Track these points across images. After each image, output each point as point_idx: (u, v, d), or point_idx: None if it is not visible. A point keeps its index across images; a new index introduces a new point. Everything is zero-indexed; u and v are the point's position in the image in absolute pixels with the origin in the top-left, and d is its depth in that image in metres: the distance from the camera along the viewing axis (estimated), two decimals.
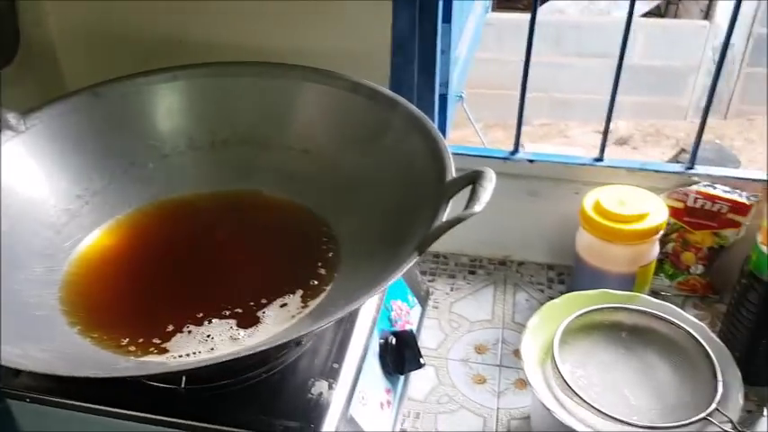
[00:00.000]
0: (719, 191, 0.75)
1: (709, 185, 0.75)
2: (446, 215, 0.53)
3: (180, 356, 0.54)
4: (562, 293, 0.72)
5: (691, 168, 0.77)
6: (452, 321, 0.78)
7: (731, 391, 0.58)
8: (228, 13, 0.76)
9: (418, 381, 0.71)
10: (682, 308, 0.70)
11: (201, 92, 0.68)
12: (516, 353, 0.74)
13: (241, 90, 0.68)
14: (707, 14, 2.68)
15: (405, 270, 0.50)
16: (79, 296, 0.59)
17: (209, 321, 0.56)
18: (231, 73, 0.68)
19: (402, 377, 0.65)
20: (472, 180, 0.53)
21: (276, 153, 0.69)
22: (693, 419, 0.55)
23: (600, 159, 0.79)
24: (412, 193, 0.60)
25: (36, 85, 0.77)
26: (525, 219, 0.84)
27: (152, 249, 0.64)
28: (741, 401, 0.57)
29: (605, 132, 0.80)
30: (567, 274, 0.83)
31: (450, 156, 0.57)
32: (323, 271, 0.62)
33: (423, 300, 0.74)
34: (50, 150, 0.65)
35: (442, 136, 0.60)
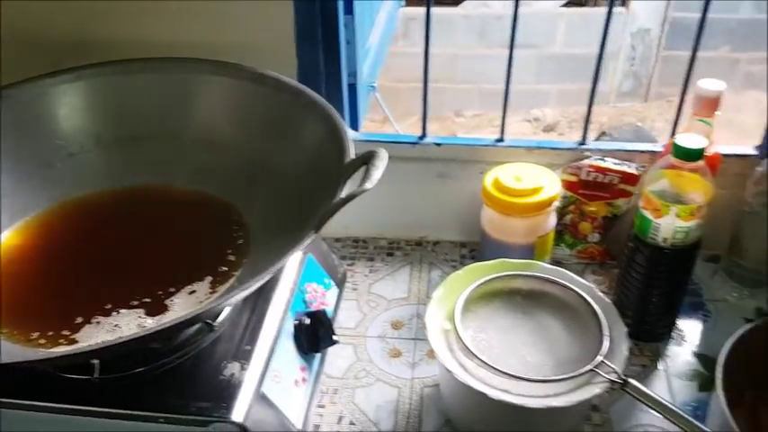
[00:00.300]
0: (610, 163, 0.80)
1: (600, 159, 0.81)
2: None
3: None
4: None
5: (582, 144, 0.83)
6: (371, 301, 0.82)
7: (617, 344, 0.62)
8: (135, 12, 0.78)
9: (337, 359, 0.74)
10: (581, 275, 0.75)
11: (106, 90, 0.70)
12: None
13: (145, 86, 0.70)
14: (623, 2, 2.79)
15: (301, 248, 0.53)
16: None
17: (118, 312, 0.58)
18: (134, 70, 0.70)
19: (318, 355, 0.68)
20: (366, 160, 0.57)
21: (184, 147, 0.71)
22: (581, 371, 0.59)
23: (501, 140, 0.84)
24: (315, 177, 0.63)
25: None
26: (437, 200, 0.88)
27: (62, 247, 0.65)
28: (626, 353, 0.62)
29: (504, 115, 0.85)
30: (477, 249, 0.88)
31: (349, 138, 0.61)
32: (232, 258, 0.64)
33: (340, 282, 0.77)
34: None
35: (342, 120, 0.63)
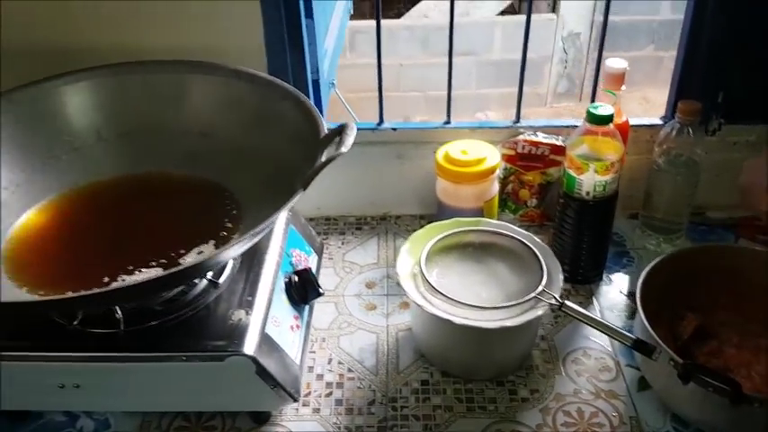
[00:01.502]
0: (541, 137, 0.95)
1: (532, 134, 0.95)
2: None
3: None
4: None
5: (517, 122, 0.97)
6: (345, 267, 0.94)
7: (554, 277, 0.76)
8: (114, 18, 0.88)
9: (322, 315, 0.86)
10: None
11: (105, 90, 0.81)
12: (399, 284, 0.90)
13: (139, 86, 0.81)
14: (553, 8, 2.99)
15: (292, 204, 0.64)
16: (21, 266, 0.70)
17: (139, 271, 0.69)
18: (129, 71, 0.81)
19: (307, 307, 0.80)
20: (339, 132, 0.69)
21: (177, 137, 0.82)
22: (527, 298, 0.73)
23: (448, 122, 0.98)
24: (294, 152, 0.74)
25: None
26: (397, 179, 1.01)
27: (78, 224, 0.76)
28: (561, 284, 0.75)
29: (449, 102, 0.98)
30: (434, 220, 1.00)
31: (321, 117, 0.73)
32: (229, 225, 0.76)
33: (318, 250, 0.89)
34: None
35: (312, 103, 0.75)
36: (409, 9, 3.02)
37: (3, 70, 0.86)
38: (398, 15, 3.00)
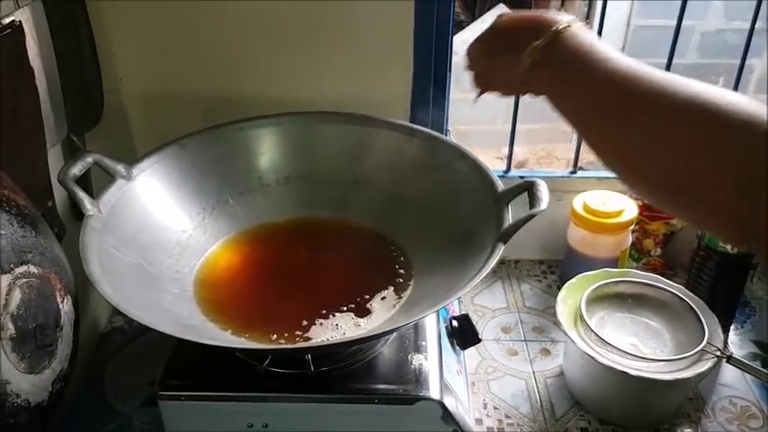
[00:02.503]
0: None
1: None
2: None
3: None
4: (555, 281, 0.93)
5: None
6: (477, 311, 0.96)
7: (712, 328, 0.78)
8: (273, 73, 0.91)
9: (467, 358, 0.87)
10: None
11: (295, 135, 0.83)
12: (535, 329, 0.92)
13: (326, 135, 0.83)
14: None
15: (495, 261, 0.66)
16: (217, 308, 0.71)
17: (333, 315, 0.70)
18: (319, 120, 0.83)
19: (462, 353, 0.82)
20: (526, 188, 0.71)
21: (338, 184, 0.83)
22: (694, 351, 0.75)
23: (574, 172, 1.01)
24: (466, 206, 0.76)
25: (110, 142, 0.87)
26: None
27: (258, 265, 0.77)
28: (722, 336, 0.78)
29: (577, 155, 1.01)
30: (555, 266, 1.03)
31: (494, 173, 0.75)
32: (402, 271, 0.77)
33: None
34: (156, 192, 0.77)
35: (481, 160, 0.78)
36: None
37: (178, 116, 0.88)
38: None
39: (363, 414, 0.68)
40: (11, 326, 0.52)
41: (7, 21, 0.65)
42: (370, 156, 0.83)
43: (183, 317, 0.69)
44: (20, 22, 0.66)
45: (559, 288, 0.85)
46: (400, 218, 0.81)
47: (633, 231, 1.00)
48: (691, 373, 0.73)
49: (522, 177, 1.00)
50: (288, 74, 0.90)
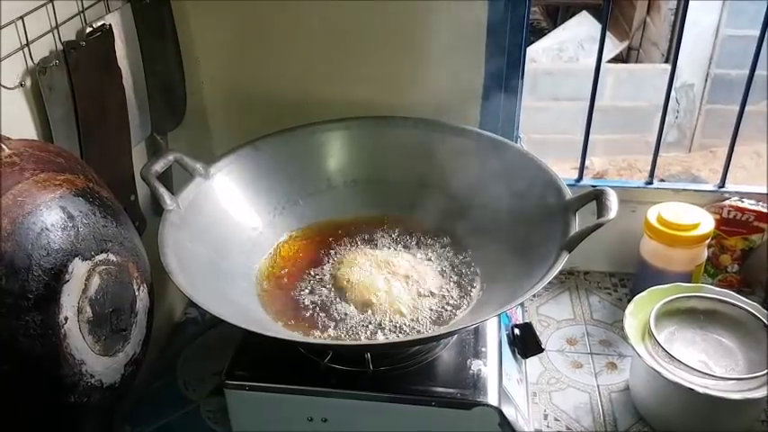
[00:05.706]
0: (747, 204, 0.94)
1: (738, 200, 0.94)
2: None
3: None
4: (626, 295, 0.91)
5: (722, 187, 0.96)
6: (542, 321, 0.95)
7: None
8: (346, 77, 0.93)
9: (529, 368, 0.86)
10: None
11: (364, 139, 0.85)
12: (602, 342, 0.91)
13: (395, 139, 0.84)
14: (667, 58, 2.97)
15: (558, 269, 0.65)
16: (280, 303, 0.74)
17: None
18: (388, 125, 0.85)
19: (524, 362, 0.81)
20: (595, 196, 0.70)
21: (420, 191, 0.84)
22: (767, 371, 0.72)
23: (650, 183, 0.98)
24: (533, 213, 0.76)
25: (190, 141, 0.91)
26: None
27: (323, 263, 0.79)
28: None
29: (653, 164, 0.98)
30: (627, 279, 1.01)
31: (564, 181, 0.74)
32: (467, 275, 0.77)
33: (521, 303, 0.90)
34: (231, 191, 0.80)
35: (550, 168, 0.77)
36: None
37: (254, 118, 0.91)
38: None
39: (420, 416, 0.69)
40: (88, 309, 0.56)
41: (98, 24, 0.69)
42: (437, 160, 0.83)
43: (250, 310, 0.71)
44: (110, 25, 0.71)
45: (629, 301, 0.83)
46: (466, 222, 0.82)
47: (709, 246, 0.97)
48: (762, 393, 0.70)
49: (594, 187, 0.98)
50: (360, 79, 0.92)
